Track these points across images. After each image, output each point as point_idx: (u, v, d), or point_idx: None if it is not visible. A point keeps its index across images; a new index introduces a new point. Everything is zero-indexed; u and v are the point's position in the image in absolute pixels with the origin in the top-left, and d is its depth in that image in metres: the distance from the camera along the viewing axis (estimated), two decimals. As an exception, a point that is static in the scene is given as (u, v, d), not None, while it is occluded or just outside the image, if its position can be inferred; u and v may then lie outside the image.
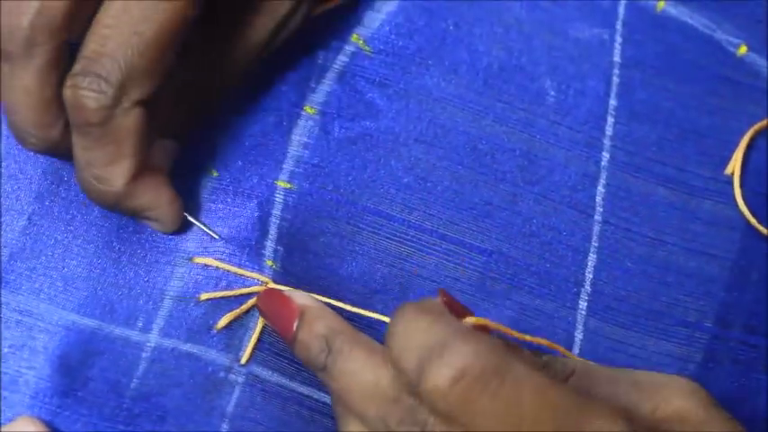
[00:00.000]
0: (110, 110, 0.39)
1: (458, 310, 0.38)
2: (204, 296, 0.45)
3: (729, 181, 0.48)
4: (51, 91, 0.40)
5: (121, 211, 0.42)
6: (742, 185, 0.48)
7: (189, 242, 0.45)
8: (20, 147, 0.45)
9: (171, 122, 0.44)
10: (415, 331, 0.35)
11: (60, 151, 0.41)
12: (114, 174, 0.40)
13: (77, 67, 0.39)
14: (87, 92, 0.38)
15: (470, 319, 0.37)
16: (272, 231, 0.46)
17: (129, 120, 0.39)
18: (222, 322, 0.45)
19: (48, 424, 0.43)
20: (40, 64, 0.39)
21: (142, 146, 0.40)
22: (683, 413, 0.37)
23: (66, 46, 0.39)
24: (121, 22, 0.38)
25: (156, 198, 0.42)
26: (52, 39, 0.39)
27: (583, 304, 0.47)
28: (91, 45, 0.39)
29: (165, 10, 0.38)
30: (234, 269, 0.45)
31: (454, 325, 0.35)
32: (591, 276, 0.47)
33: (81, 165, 0.40)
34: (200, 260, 0.45)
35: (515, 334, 0.38)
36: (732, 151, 0.49)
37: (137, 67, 0.38)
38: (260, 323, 0.45)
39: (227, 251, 0.45)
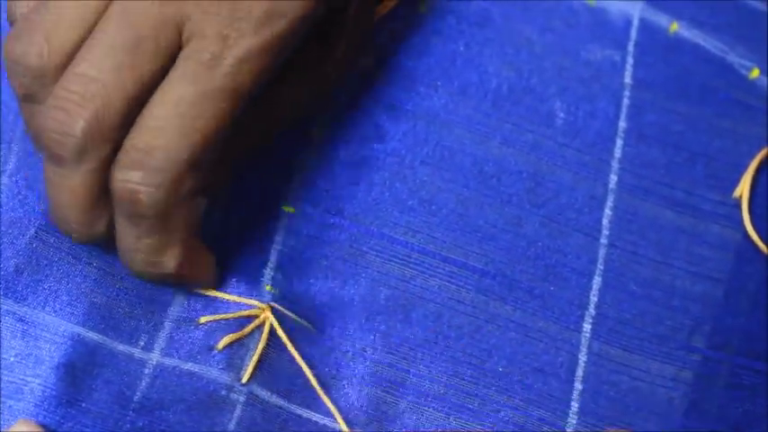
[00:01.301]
0: (165, 203, 0.38)
1: None
2: (204, 319, 0.45)
3: (738, 205, 0.48)
4: (99, 190, 0.39)
5: (165, 284, 0.43)
6: (751, 209, 0.48)
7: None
8: (30, 162, 0.45)
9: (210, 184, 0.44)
10: None
11: (102, 241, 0.41)
12: (166, 258, 0.40)
13: (127, 160, 0.38)
14: (142, 187, 0.38)
15: None
16: (273, 258, 0.46)
17: (184, 210, 0.39)
18: (223, 342, 0.45)
19: (50, 433, 0.43)
20: (90, 168, 0.38)
21: (195, 229, 0.41)
22: None
23: (117, 147, 0.39)
24: (175, 115, 0.38)
25: (200, 267, 0.43)
26: (105, 145, 0.38)
27: (587, 327, 0.47)
28: (142, 137, 0.38)
29: (220, 102, 0.38)
30: (232, 297, 0.45)
31: None
32: (595, 299, 0.47)
33: (129, 249, 0.40)
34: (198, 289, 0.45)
35: None
36: (742, 174, 0.48)
37: (190, 160, 0.38)
38: (261, 343, 0.45)
39: (225, 278, 0.46)
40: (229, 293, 0.45)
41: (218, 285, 0.45)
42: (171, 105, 0.38)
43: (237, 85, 0.38)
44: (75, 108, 0.38)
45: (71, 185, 0.39)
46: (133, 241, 0.40)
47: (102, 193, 0.39)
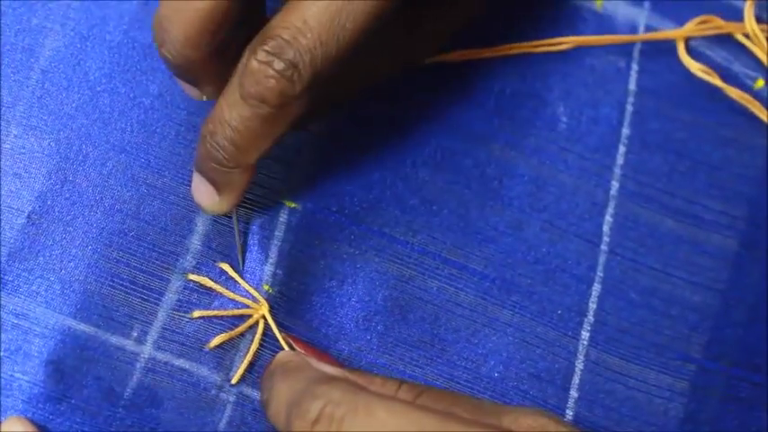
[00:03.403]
0: (291, 100, 0.39)
1: (313, 351, 0.43)
2: (197, 314, 0.44)
3: (739, 215, 0.48)
4: (218, 22, 0.39)
5: (214, 171, 0.42)
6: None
7: (186, 257, 0.45)
8: (27, 145, 0.45)
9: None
10: (280, 393, 0.39)
11: (183, 73, 0.41)
12: (254, 148, 0.40)
13: (272, 44, 0.38)
14: (279, 76, 0.38)
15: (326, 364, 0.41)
16: (273, 254, 0.45)
17: (296, 110, 0.39)
18: (214, 342, 0.44)
19: (41, 430, 0.42)
20: None
21: (285, 132, 0.41)
22: (540, 426, 0.39)
23: None
24: (329, 20, 0.38)
25: (246, 181, 0.42)
26: None
27: (585, 334, 0.46)
28: (290, 28, 0.38)
29: (365, 20, 0.38)
30: (226, 292, 0.45)
31: (311, 374, 0.39)
32: (594, 306, 0.46)
33: (223, 124, 0.40)
34: (194, 278, 0.45)
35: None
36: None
37: (325, 67, 0.38)
38: (254, 345, 0.44)
39: (224, 273, 0.45)
40: (227, 288, 0.45)
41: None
42: (326, 7, 0.38)
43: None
44: None
45: (197, 4, 0.38)
46: (236, 118, 0.39)
47: (218, 27, 0.39)
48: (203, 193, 0.43)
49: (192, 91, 0.43)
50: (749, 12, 0.49)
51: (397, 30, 0.44)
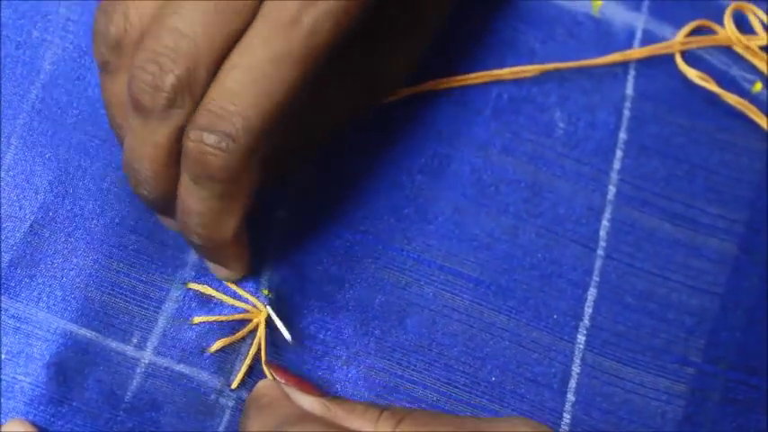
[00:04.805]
0: (236, 169, 0.38)
1: (294, 380, 0.43)
2: (197, 320, 0.45)
3: (737, 219, 0.48)
4: (179, 147, 0.38)
5: (209, 253, 0.43)
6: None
7: (186, 266, 0.45)
8: (28, 157, 0.46)
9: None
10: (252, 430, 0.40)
11: (162, 203, 0.41)
12: (225, 225, 0.40)
13: (203, 121, 0.37)
14: (216, 150, 0.37)
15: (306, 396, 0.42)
16: (270, 261, 0.46)
17: (251, 175, 0.39)
18: (216, 346, 0.45)
19: (42, 432, 0.43)
20: (175, 124, 0.38)
21: (253, 195, 0.40)
22: None
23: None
24: (250, 81, 0.37)
25: (242, 248, 0.43)
26: (192, 101, 0.38)
27: (581, 338, 0.46)
28: (218, 100, 0.37)
29: (295, 67, 0.37)
30: (226, 299, 0.45)
31: (283, 412, 0.40)
32: (590, 311, 0.47)
33: (190, 211, 0.40)
34: (194, 286, 0.45)
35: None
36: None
37: (264, 128, 0.37)
38: (253, 349, 0.45)
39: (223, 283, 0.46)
40: (226, 294, 0.45)
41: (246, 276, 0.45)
42: (246, 69, 0.37)
43: (312, 49, 0.37)
44: (168, 62, 0.37)
45: (154, 139, 0.38)
46: (196, 203, 0.39)
47: (178, 153, 0.39)
48: (216, 269, 0.44)
49: (173, 223, 0.43)
50: (728, 20, 0.49)
51: (348, 70, 0.44)
